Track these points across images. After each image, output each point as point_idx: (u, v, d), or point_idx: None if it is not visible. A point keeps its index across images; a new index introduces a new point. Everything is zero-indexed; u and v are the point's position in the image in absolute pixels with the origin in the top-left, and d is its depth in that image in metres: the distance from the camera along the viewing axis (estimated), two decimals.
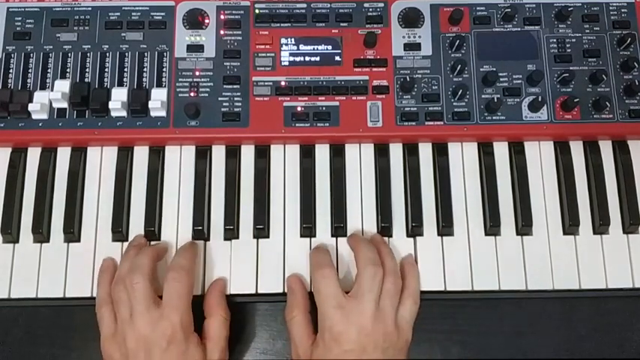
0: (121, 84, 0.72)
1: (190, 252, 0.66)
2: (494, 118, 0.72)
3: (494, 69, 0.73)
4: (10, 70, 0.72)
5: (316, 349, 0.61)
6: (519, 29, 0.75)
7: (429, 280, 0.68)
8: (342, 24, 0.74)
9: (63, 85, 0.71)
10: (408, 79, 0.72)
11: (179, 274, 0.63)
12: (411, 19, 0.74)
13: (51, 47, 0.73)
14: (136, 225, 0.69)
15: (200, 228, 0.69)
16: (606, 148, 0.73)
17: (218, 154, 0.72)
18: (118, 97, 0.70)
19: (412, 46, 0.74)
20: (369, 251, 0.65)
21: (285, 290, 0.67)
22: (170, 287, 0.62)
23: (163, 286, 0.63)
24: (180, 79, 0.72)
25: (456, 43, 0.73)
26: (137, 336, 0.60)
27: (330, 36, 0.74)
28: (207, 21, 0.74)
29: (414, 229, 0.70)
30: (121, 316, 0.62)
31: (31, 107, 0.69)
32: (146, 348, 0.60)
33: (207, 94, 0.72)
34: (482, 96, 0.72)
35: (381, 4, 0.75)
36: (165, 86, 0.72)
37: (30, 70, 0.72)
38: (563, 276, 0.68)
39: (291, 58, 0.73)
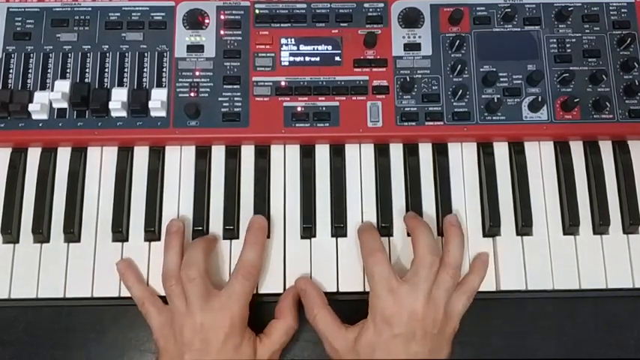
0: (121, 84, 0.72)
1: (259, 247, 0.66)
2: (494, 118, 0.72)
3: (494, 69, 0.73)
4: (10, 70, 0.72)
5: (366, 331, 0.62)
6: (519, 29, 0.75)
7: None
8: (342, 24, 0.74)
9: (63, 86, 0.71)
10: (408, 79, 0.72)
11: (250, 273, 0.64)
12: (411, 19, 0.74)
13: (51, 47, 0.73)
14: (136, 225, 0.69)
15: (200, 228, 0.69)
16: (606, 148, 0.73)
17: (218, 154, 0.72)
18: (118, 97, 0.70)
19: (412, 46, 0.74)
20: (429, 238, 0.65)
21: (285, 290, 0.67)
22: (237, 282, 0.63)
23: (231, 278, 0.64)
24: (180, 79, 0.72)
25: (456, 43, 0.73)
26: (194, 327, 0.61)
27: (330, 36, 0.74)
28: (207, 21, 0.74)
29: None
30: (176, 308, 0.63)
31: (31, 107, 0.69)
32: (202, 337, 0.61)
33: (207, 94, 0.72)
34: (482, 96, 0.72)
35: (381, 4, 0.75)
36: (165, 86, 0.72)
37: (30, 70, 0.72)
38: (563, 276, 0.69)
39: (291, 58, 0.73)
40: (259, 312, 0.69)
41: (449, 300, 0.63)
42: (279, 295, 0.68)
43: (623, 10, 0.75)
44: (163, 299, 0.66)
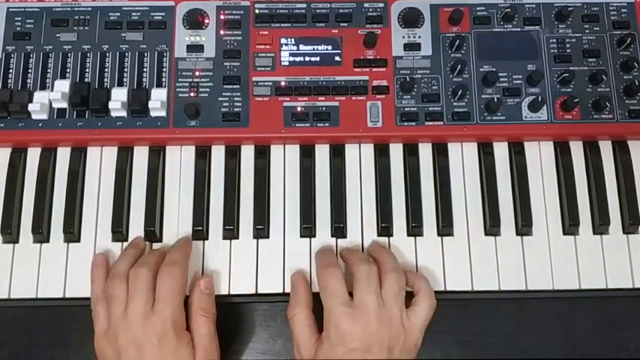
0: (121, 84, 0.72)
1: (184, 248, 0.66)
2: (494, 118, 0.72)
3: (494, 69, 0.73)
4: (10, 70, 0.72)
5: (321, 347, 0.61)
6: (519, 29, 0.75)
7: (430, 281, 0.68)
8: (342, 24, 0.74)
9: (63, 85, 0.71)
10: (408, 79, 0.72)
11: (172, 269, 0.63)
12: (411, 19, 0.74)
13: (51, 47, 0.73)
14: (136, 225, 0.69)
15: (200, 228, 0.69)
16: (606, 148, 0.73)
17: (218, 154, 0.72)
18: (118, 97, 0.70)
19: (412, 46, 0.74)
20: (358, 253, 0.65)
21: (286, 290, 0.67)
22: (163, 283, 0.62)
23: (157, 282, 0.62)
24: (180, 79, 0.72)
25: (456, 43, 0.73)
26: (128, 332, 0.60)
27: (330, 36, 0.74)
28: (207, 21, 0.74)
29: (414, 230, 0.70)
30: (114, 312, 0.61)
31: (31, 107, 0.69)
32: (136, 344, 0.60)
33: (207, 94, 0.72)
34: (482, 96, 0.72)
35: (381, 4, 0.75)
36: (165, 86, 0.72)
37: (30, 70, 0.72)
38: (563, 276, 0.69)
39: (291, 58, 0.73)
40: (259, 312, 0.69)
41: (405, 312, 0.62)
42: (279, 294, 0.68)
43: (623, 10, 0.75)
44: None
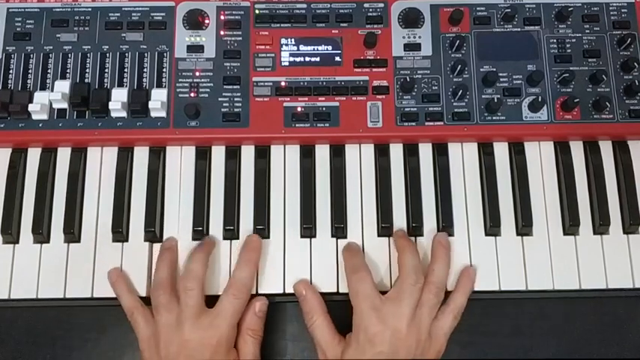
0: (121, 84, 0.72)
1: (253, 267, 0.66)
2: (494, 118, 0.72)
3: (494, 69, 0.73)
4: (10, 71, 0.72)
5: (349, 348, 0.62)
6: (519, 29, 0.75)
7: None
8: (342, 24, 0.74)
9: (63, 86, 0.71)
10: (408, 79, 0.72)
11: (241, 292, 0.64)
12: (411, 19, 0.74)
13: (51, 48, 0.73)
14: (136, 225, 0.69)
15: (200, 228, 0.69)
16: (606, 148, 0.73)
17: (218, 154, 0.72)
18: (118, 98, 0.70)
19: (412, 47, 0.74)
20: (414, 258, 0.65)
21: (286, 290, 0.67)
22: (228, 301, 0.63)
23: (221, 296, 0.64)
24: (180, 80, 0.72)
25: (456, 44, 0.73)
26: (180, 342, 0.61)
27: (330, 36, 0.74)
28: (207, 21, 0.74)
29: (414, 230, 0.70)
30: (163, 320, 0.62)
31: (31, 108, 0.69)
32: (187, 354, 0.60)
33: (207, 95, 0.72)
34: (483, 96, 0.72)
35: (381, 5, 0.75)
36: (165, 87, 0.72)
37: (30, 71, 0.72)
38: (563, 276, 0.68)
39: (291, 59, 0.73)
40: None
41: (434, 321, 0.63)
42: (279, 295, 0.68)
43: (623, 10, 0.75)
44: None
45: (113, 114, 0.71)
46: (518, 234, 0.70)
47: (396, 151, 0.73)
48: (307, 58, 0.73)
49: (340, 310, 0.66)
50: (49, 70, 0.72)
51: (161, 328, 0.62)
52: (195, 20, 0.73)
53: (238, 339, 0.65)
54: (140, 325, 0.64)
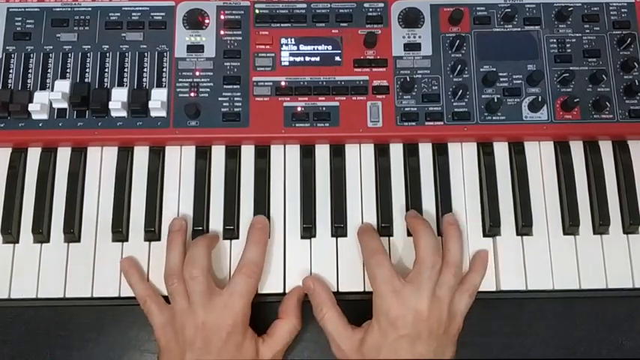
0: (121, 84, 0.72)
1: (262, 246, 0.67)
2: (494, 118, 0.72)
3: (494, 69, 0.73)
4: (10, 71, 0.72)
5: (371, 333, 0.62)
6: (519, 29, 0.75)
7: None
8: (342, 24, 0.74)
9: (63, 86, 0.71)
10: (408, 79, 0.72)
11: (253, 270, 0.64)
12: (411, 19, 0.74)
13: (51, 47, 0.73)
14: (136, 225, 0.69)
15: (200, 228, 0.69)
16: (606, 148, 0.73)
17: (218, 154, 0.72)
18: (118, 97, 0.70)
19: (412, 46, 0.74)
20: (432, 238, 0.65)
21: (286, 290, 0.68)
22: (241, 280, 0.63)
23: (233, 276, 0.64)
24: (180, 80, 0.72)
25: (456, 43, 0.73)
26: (196, 325, 0.61)
27: (330, 36, 0.74)
28: (207, 21, 0.74)
29: None
30: (178, 307, 0.63)
31: (31, 107, 0.69)
32: (204, 336, 0.61)
33: (207, 95, 0.72)
34: (483, 96, 0.72)
35: (381, 4, 0.75)
36: (165, 86, 0.72)
37: (30, 71, 0.72)
38: (563, 276, 0.68)
39: (291, 58, 0.73)
40: (259, 312, 0.69)
41: (452, 299, 0.63)
42: (279, 295, 0.68)
43: (623, 10, 0.75)
44: (166, 299, 0.66)
45: (113, 114, 0.71)
46: (518, 234, 0.70)
47: (396, 151, 0.73)
48: (307, 58, 0.73)
49: (341, 310, 0.66)
50: (49, 70, 0.72)
51: (176, 313, 0.63)
52: (195, 20, 0.73)
53: (279, 324, 0.65)
54: (154, 313, 0.64)
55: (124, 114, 0.71)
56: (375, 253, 0.64)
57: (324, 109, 0.72)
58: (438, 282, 0.63)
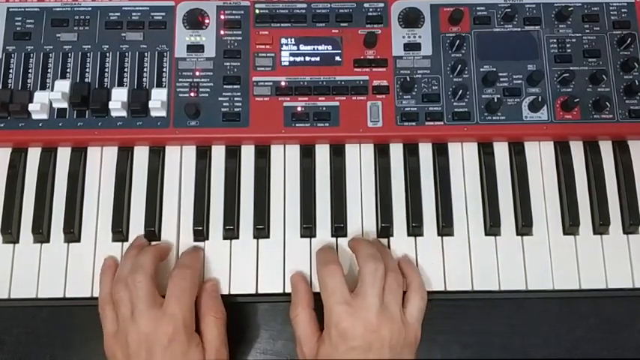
0: (121, 84, 0.72)
1: (195, 254, 0.67)
2: (494, 118, 0.72)
3: (495, 69, 0.73)
4: (10, 70, 0.72)
5: (322, 345, 0.61)
6: (519, 29, 0.75)
7: (430, 281, 0.68)
8: (342, 24, 0.74)
9: (63, 85, 0.71)
10: (408, 79, 0.72)
11: (183, 272, 0.63)
12: (411, 19, 0.74)
13: (51, 47, 0.73)
14: (136, 225, 0.69)
15: (200, 228, 0.69)
16: (606, 148, 0.73)
17: (218, 154, 0.72)
18: (118, 97, 0.70)
19: (412, 46, 0.74)
20: (369, 248, 0.65)
21: (286, 290, 0.67)
22: (174, 284, 0.62)
23: (168, 284, 0.63)
24: (180, 79, 0.72)
25: (456, 43, 0.73)
26: (139, 334, 0.60)
27: (330, 36, 0.74)
28: (207, 21, 0.74)
29: (414, 229, 0.70)
30: (122, 315, 0.62)
31: (31, 107, 0.69)
32: (147, 347, 0.60)
33: (207, 94, 0.72)
34: (483, 96, 0.72)
35: (381, 4, 0.75)
36: (165, 86, 0.72)
37: (30, 70, 0.72)
38: (563, 276, 0.69)
39: (291, 58, 0.73)
40: (260, 312, 0.69)
41: (403, 306, 0.63)
42: (279, 294, 0.68)
43: (623, 10, 0.75)
44: None
45: (113, 113, 0.71)
46: (518, 234, 0.70)
47: (396, 151, 0.73)
48: (307, 58, 0.73)
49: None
50: (49, 70, 0.72)
51: (120, 323, 0.62)
52: (195, 20, 0.73)
53: (201, 325, 0.64)
54: (108, 320, 0.63)
55: (124, 114, 0.71)
56: (327, 264, 0.64)
57: (324, 109, 0.72)
58: (384, 289, 0.62)
